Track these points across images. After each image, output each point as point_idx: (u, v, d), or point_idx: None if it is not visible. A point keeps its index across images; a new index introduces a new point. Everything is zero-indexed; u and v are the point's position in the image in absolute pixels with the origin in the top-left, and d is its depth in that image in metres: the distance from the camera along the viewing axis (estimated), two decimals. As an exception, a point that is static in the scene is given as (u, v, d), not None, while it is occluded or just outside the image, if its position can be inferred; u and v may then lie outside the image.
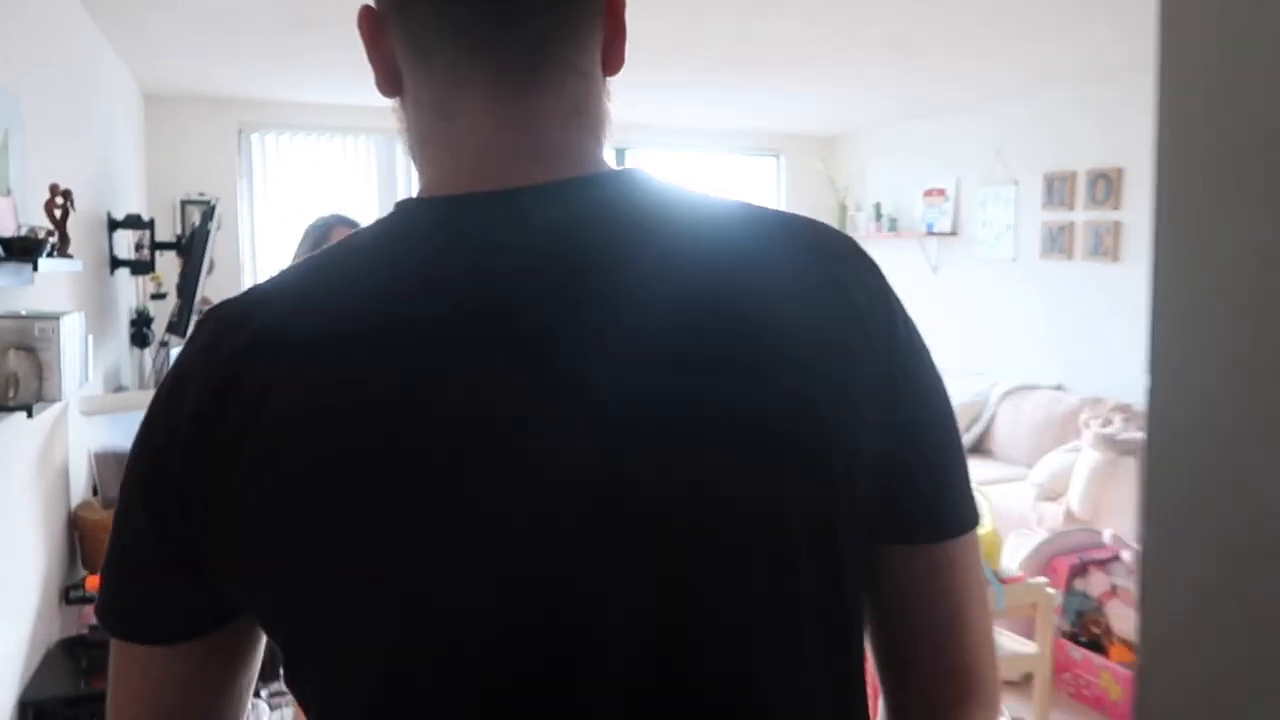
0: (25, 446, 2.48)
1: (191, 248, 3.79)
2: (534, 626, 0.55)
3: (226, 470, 0.56)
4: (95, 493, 2.96)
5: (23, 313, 2.22)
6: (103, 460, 2.88)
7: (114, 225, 3.83)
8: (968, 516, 0.66)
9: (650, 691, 0.56)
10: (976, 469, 4.31)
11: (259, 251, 5.76)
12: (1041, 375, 5.12)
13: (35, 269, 2.05)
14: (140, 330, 4.34)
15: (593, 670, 0.55)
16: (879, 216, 6.18)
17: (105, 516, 2.87)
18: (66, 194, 2.46)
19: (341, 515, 0.54)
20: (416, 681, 0.56)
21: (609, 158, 0.65)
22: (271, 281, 0.61)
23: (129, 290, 4.38)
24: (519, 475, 0.54)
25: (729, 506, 0.56)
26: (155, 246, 3.94)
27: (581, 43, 0.62)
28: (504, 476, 0.54)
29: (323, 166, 5.70)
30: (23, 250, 2.09)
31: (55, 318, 2.13)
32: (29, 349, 2.10)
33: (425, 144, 0.63)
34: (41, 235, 2.16)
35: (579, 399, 0.55)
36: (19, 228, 2.24)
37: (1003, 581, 2.68)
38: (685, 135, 6.45)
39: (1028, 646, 2.80)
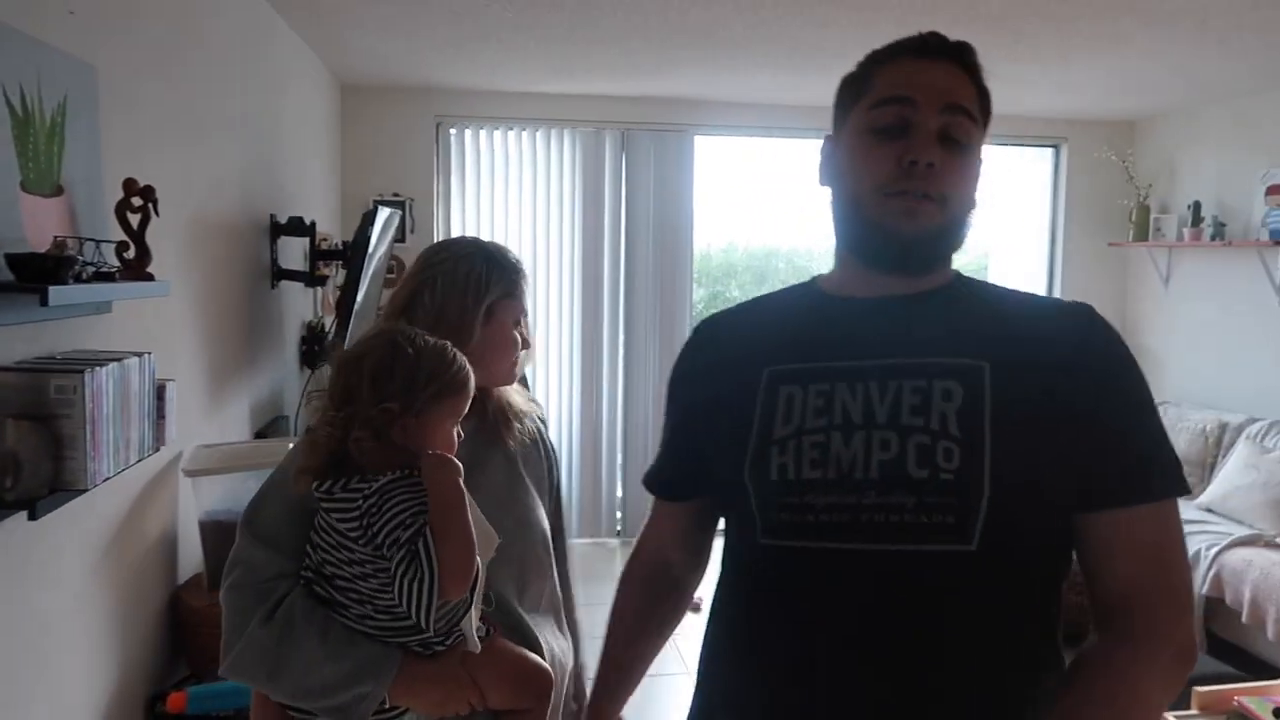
0: (78, 531, 1.88)
1: (352, 256, 3.21)
2: None
3: None
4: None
5: (90, 355, 1.60)
6: (209, 530, 2.27)
7: (277, 231, 3.32)
8: None
9: None
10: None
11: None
12: None
13: (44, 302, 1.41)
14: (312, 349, 3.84)
15: None
16: (1196, 220, 4.85)
17: (210, 603, 2.23)
18: (146, 193, 1.85)
19: None
20: None
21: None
22: None
23: (303, 304, 3.90)
24: None
25: None
26: (317, 255, 3.39)
27: None
28: None
29: (523, 162, 5.09)
30: (36, 273, 1.46)
31: (79, 371, 1.49)
32: (41, 418, 1.47)
33: None
34: (70, 252, 1.53)
35: None
36: (69, 241, 1.63)
37: None
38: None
39: None
